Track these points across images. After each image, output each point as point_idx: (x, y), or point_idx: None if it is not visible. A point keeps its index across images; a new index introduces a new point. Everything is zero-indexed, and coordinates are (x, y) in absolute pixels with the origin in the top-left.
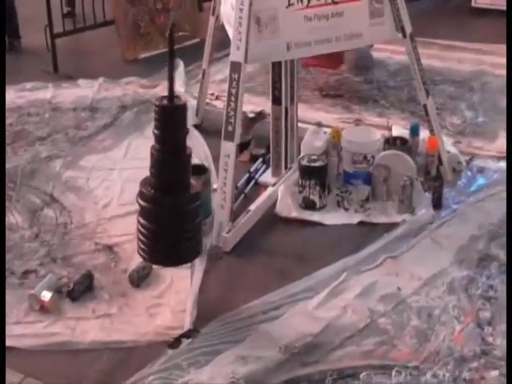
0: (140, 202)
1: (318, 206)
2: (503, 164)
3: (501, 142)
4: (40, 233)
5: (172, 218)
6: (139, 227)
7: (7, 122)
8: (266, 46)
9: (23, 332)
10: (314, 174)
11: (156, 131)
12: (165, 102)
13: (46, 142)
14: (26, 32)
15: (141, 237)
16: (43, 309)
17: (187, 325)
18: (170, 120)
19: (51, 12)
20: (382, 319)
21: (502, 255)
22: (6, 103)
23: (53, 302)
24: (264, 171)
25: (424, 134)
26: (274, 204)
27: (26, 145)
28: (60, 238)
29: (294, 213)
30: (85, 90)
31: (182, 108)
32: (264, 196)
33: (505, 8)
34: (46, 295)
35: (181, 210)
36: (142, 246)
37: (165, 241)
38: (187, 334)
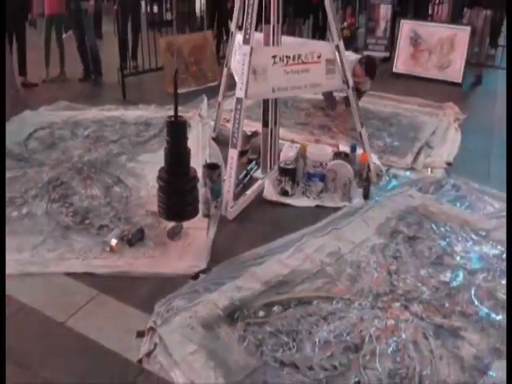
0: (158, 181)
1: (290, 193)
2: (409, 173)
3: (408, 159)
4: (111, 201)
5: (176, 191)
6: (158, 198)
7: (91, 129)
8: (259, 88)
9: (99, 264)
10: (288, 173)
11: (166, 137)
12: (172, 119)
13: (116, 143)
14: (106, 72)
15: (159, 203)
16: (112, 250)
17: (203, 265)
18: (175, 131)
19: (122, 60)
20: (328, 267)
21: (406, 231)
22: (91, 118)
23: (118, 246)
24: (256, 170)
25: (359, 151)
26: (262, 191)
27: (104, 145)
28: (124, 205)
29: (275, 197)
30: (142, 111)
31: (183, 123)
32: (256, 185)
33: (416, 74)
34: (114, 241)
35: (183, 186)
36: (160, 209)
37: (173, 206)
38: (203, 271)
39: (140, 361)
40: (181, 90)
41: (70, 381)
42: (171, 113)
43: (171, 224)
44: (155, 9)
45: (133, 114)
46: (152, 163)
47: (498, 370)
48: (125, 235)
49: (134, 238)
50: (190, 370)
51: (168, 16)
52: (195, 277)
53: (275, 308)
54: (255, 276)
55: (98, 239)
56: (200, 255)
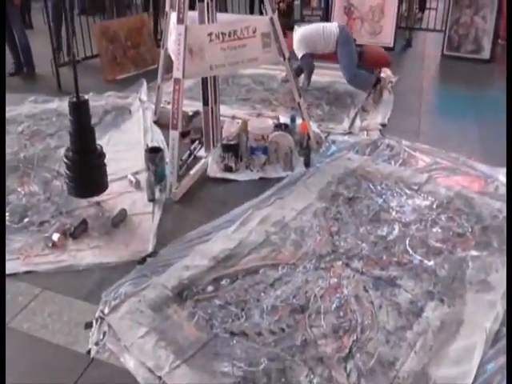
0: (64, 160)
1: (234, 169)
2: (347, 138)
3: (345, 124)
4: (51, 196)
5: (82, 168)
6: (65, 175)
7: (26, 124)
8: (196, 67)
9: (41, 261)
10: (230, 149)
11: (70, 117)
12: (73, 99)
13: (54, 137)
14: (39, 63)
15: (67, 181)
16: (54, 245)
17: (150, 249)
18: (77, 110)
19: (54, 50)
20: (273, 236)
21: (346, 193)
22: (25, 113)
23: (61, 241)
24: (200, 149)
25: (299, 121)
26: (206, 169)
27: (40, 139)
28: (65, 199)
29: (219, 174)
30: None
31: (84, 102)
32: (199, 165)
33: None
34: (55, 236)
35: (89, 163)
36: (68, 186)
37: (80, 182)
38: (150, 255)
39: (89, 351)
40: (120, 76)
41: (11, 380)
42: (110, 100)
43: (115, 213)
44: None
45: None
46: None
47: (431, 311)
48: (67, 229)
49: (77, 231)
50: (141, 352)
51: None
52: (142, 261)
53: (223, 281)
54: (202, 253)
55: (39, 236)
56: (146, 240)
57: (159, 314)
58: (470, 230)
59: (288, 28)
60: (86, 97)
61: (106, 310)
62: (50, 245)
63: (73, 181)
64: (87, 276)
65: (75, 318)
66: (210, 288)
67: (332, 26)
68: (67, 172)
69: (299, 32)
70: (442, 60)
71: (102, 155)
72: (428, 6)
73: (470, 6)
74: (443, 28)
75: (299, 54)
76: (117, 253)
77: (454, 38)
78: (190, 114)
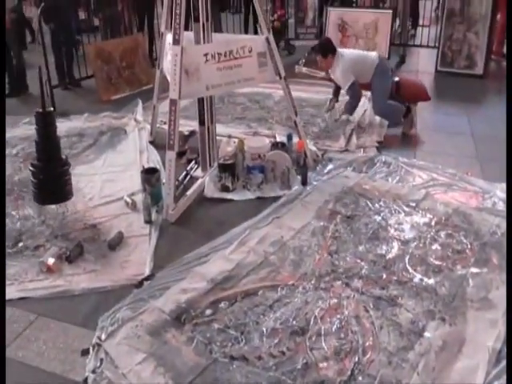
0: (29, 168)
1: (231, 188)
2: (343, 155)
3: (342, 142)
4: (46, 219)
5: (47, 176)
6: (31, 183)
7: (20, 146)
8: (192, 88)
9: (36, 286)
10: (227, 169)
11: (36, 127)
12: (39, 110)
13: None
14: (31, 84)
15: (33, 188)
16: (49, 270)
17: (147, 272)
18: (42, 120)
19: (49, 71)
20: (272, 256)
21: (344, 211)
22: (19, 135)
23: (56, 265)
24: (196, 169)
25: (295, 139)
26: (203, 189)
27: None
28: (60, 222)
29: (216, 194)
30: (74, 122)
31: (49, 113)
32: (196, 185)
33: None
34: (51, 260)
35: (54, 171)
36: (34, 194)
37: (46, 190)
38: (147, 278)
39: (86, 380)
40: (115, 96)
41: None
42: (106, 120)
43: (111, 235)
44: (82, 15)
45: (64, 125)
46: (88, 175)
47: (433, 330)
48: (63, 253)
49: (73, 254)
50: (139, 379)
51: (97, 22)
52: (139, 285)
53: (222, 304)
54: (200, 275)
55: (34, 261)
56: (143, 262)
57: (157, 339)
58: (469, 246)
59: (328, 51)
60: (52, 108)
61: (103, 336)
62: (45, 270)
63: (37, 188)
64: (83, 301)
65: (71, 345)
66: (208, 311)
67: (372, 55)
68: (32, 179)
69: (348, 58)
70: (436, 76)
71: (66, 164)
72: (421, 22)
73: (462, 22)
74: (436, 44)
75: (347, 82)
76: (113, 277)
77: (447, 54)
78: (186, 133)
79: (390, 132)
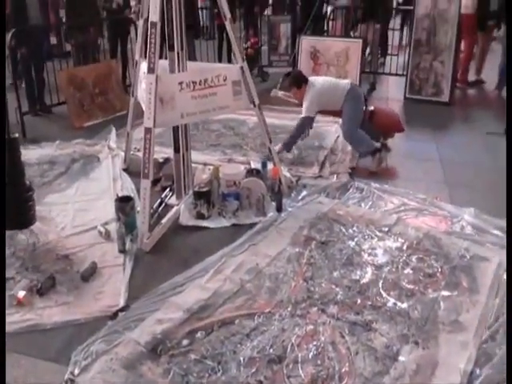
0: None
1: (206, 216)
2: (317, 181)
3: (315, 168)
4: (16, 251)
5: (11, 200)
6: None
7: None
8: (167, 116)
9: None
10: (202, 196)
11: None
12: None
13: None
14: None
15: None
16: (19, 303)
17: (121, 303)
18: (8, 147)
19: (20, 99)
20: (248, 284)
21: (318, 237)
22: None
23: (26, 298)
24: (171, 196)
25: (270, 166)
26: (178, 217)
27: None
28: (30, 253)
29: (191, 221)
30: (46, 149)
31: (14, 140)
32: (171, 213)
33: None
34: (21, 293)
35: (18, 197)
36: None
37: (10, 214)
38: (122, 309)
39: None
40: (88, 123)
41: None
42: (78, 148)
43: (84, 266)
44: (53, 40)
45: (35, 153)
46: (59, 204)
47: (407, 354)
48: (34, 285)
49: (44, 287)
50: None
51: (68, 47)
52: (113, 317)
53: (198, 334)
54: (176, 305)
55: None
56: (117, 293)
57: (132, 372)
58: (439, 270)
59: (301, 81)
60: (17, 135)
61: (76, 371)
62: (16, 303)
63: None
64: (55, 335)
65: (43, 382)
66: (184, 342)
67: (343, 82)
68: None
69: (317, 88)
70: (405, 103)
71: (30, 190)
72: (390, 51)
73: (429, 52)
74: (405, 72)
75: (307, 113)
76: (86, 309)
77: (415, 82)
78: (161, 160)
79: (362, 163)
